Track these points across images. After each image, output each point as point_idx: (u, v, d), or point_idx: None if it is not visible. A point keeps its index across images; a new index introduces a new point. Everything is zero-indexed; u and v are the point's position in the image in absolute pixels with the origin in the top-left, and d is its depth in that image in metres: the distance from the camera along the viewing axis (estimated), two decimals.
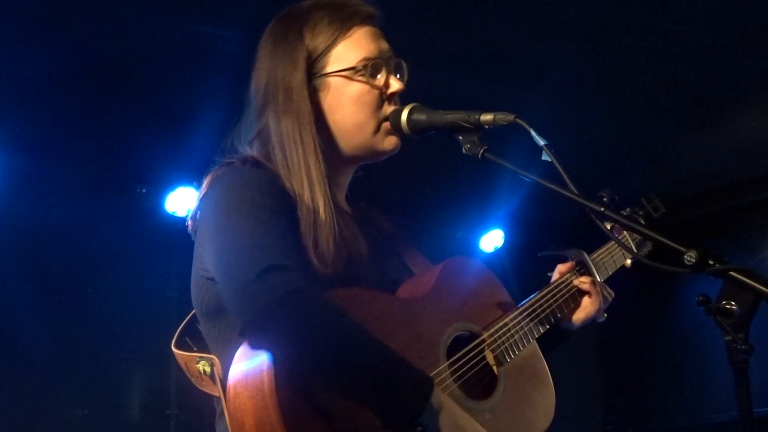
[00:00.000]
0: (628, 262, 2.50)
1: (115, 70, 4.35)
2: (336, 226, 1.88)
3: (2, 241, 4.83)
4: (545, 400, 2.14)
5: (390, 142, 2.01)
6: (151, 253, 5.29)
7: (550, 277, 2.37)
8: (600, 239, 2.44)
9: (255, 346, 1.73)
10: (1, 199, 4.78)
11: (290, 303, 1.66)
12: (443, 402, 1.77)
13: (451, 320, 2.01)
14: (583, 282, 2.32)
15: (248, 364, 1.73)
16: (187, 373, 1.94)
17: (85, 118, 4.73)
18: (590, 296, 2.31)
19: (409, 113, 1.97)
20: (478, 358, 2.02)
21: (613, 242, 2.44)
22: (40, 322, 4.87)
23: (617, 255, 2.48)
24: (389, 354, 1.75)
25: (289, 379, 1.69)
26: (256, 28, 2.07)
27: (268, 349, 1.70)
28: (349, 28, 1.99)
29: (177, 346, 1.96)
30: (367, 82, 1.97)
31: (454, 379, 1.97)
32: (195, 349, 1.94)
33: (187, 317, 2.01)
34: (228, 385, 1.75)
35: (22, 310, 4.81)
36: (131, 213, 5.29)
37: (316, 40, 1.97)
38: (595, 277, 2.36)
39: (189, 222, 1.98)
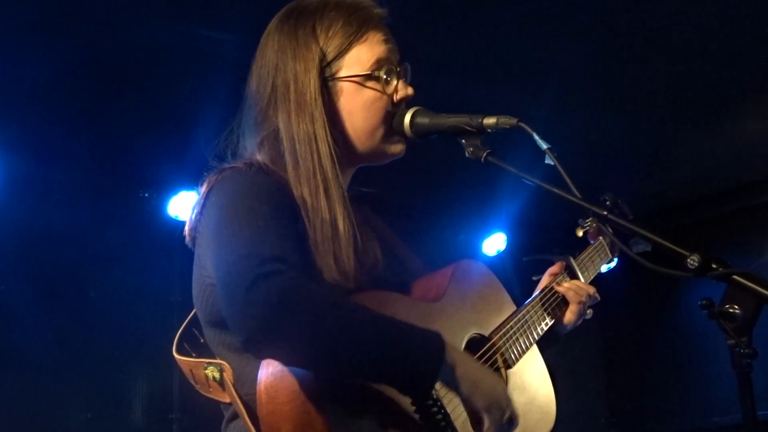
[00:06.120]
0: (613, 263, 2.66)
1: (117, 74, 4.35)
2: (356, 237, 1.86)
3: (5, 244, 4.84)
4: (547, 400, 2.16)
5: (396, 149, 2.01)
6: (154, 256, 5.28)
7: (536, 281, 2.46)
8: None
9: (262, 357, 1.70)
10: (3, 203, 4.78)
11: (285, 309, 1.61)
12: (457, 358, 1.77)
13: (465, 324, 2.02)
14: (564, 288, 2.40)
15: (280, 367, 1.69)
16: (192, 380, 1.90)
17: (87, 122, 4.73)
18: (573, 299, 2.39)
19: (412, 116, 1.97)
20: (491, 362, 2.04)
21: (597, 243, 2.60)
22: (42, 326, 4.87)
23: (603, 253, 2.61)
24: (396, 325, 1.73)
25: (328, 382, 1.67)
26: (258, 33, 2.06)
27: (276, 357, 1.68)
28: (364, 33, 1.96)
29: (178, 352, 1.93)
30: (379, 89, 1.96)
31: None
32: (194, 354, 1.90)
33: (184, 323, 1.97)
34: (259, 388, 1.69)
35: (24, 314, 4.81)
36: (133, 217, 5.29)
37: (330, 43, 1.94)
38: (579, 279, 2.45)
39: (187, 234, 1.93)
